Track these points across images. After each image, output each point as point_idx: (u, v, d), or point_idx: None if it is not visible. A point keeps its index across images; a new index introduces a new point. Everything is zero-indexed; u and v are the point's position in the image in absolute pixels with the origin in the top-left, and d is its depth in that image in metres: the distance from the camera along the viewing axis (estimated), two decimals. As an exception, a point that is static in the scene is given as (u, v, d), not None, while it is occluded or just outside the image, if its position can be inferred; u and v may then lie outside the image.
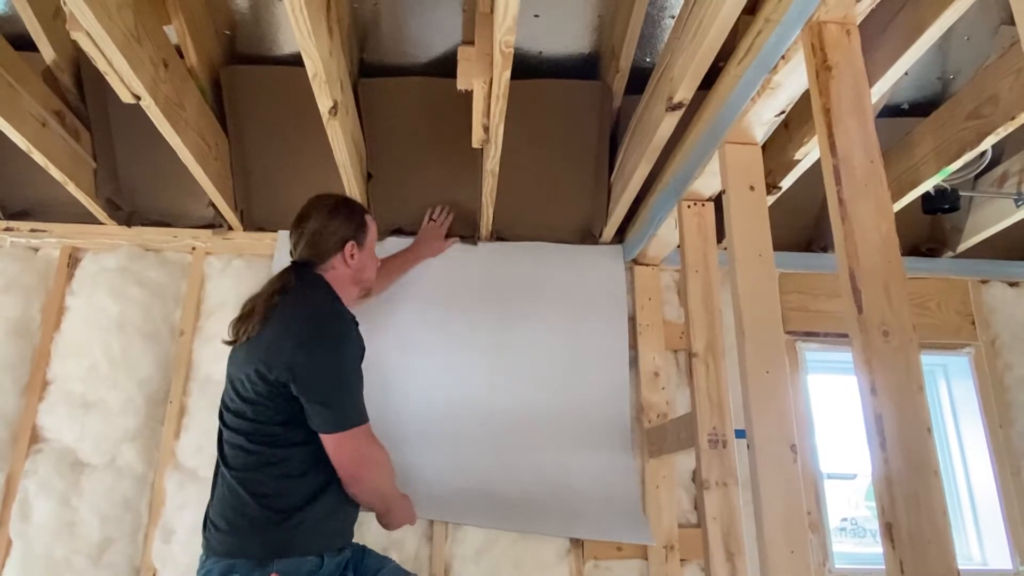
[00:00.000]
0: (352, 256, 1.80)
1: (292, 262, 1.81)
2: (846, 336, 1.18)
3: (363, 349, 1.69)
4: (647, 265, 2.50)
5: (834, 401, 2.62)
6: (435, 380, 2.30)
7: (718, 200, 1.93)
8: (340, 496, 1.61)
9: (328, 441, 1.56)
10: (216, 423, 1.68)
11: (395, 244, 2.40)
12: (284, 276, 1.74)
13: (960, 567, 1.05)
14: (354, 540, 1.74)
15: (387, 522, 1.78)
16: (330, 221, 1.81)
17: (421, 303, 2.36)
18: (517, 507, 2.16)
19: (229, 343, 1.69)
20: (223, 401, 1.67)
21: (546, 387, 2.32)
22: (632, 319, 2.44)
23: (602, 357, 2.36)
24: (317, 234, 1.79)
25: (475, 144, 1.89)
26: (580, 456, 2.25)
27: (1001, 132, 1.63)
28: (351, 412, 1.58)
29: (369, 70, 2.21)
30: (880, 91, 1.46)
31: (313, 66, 1.58)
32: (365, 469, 1.61)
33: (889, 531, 1.06)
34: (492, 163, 1.94)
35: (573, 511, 2.18)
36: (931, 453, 1.07)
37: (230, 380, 1.65)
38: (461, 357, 2.33)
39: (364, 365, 1.67)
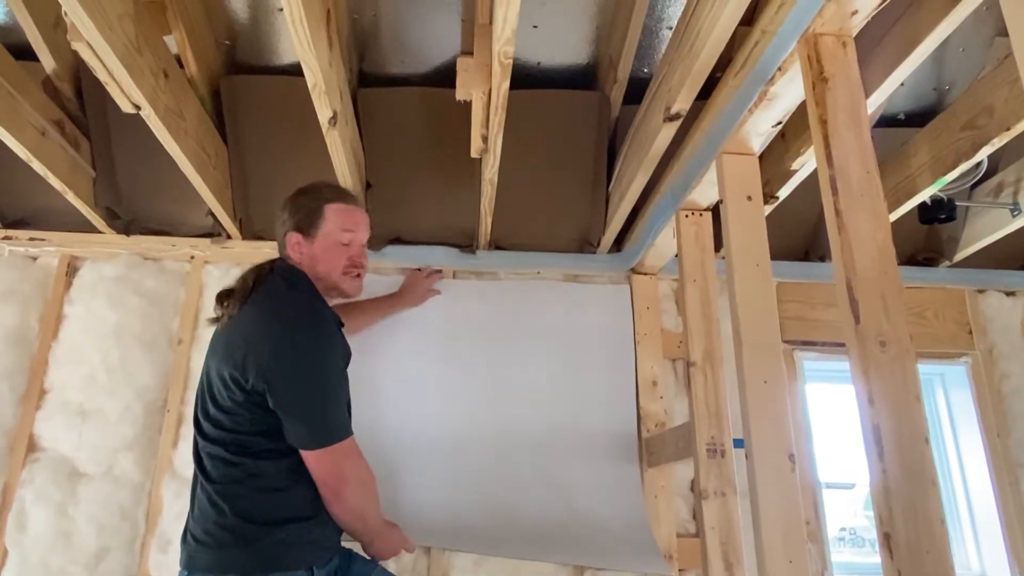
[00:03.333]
0: (300, 251, 1.67)
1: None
2: (844, 345, 1.18)
3: (348, 354, 1.60)
4: (645, 274, 2.50)
5: (832, 410, 2.62)
6: (434, 400, 2.28)
7: (716, 210, 1.94)
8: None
9: (308, 457, 1.48)
10: None
11: (394, 252, 2.41)
12: (253, 271, 1.64)
13: (958, 577, 1.05)
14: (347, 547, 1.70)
15: (374, 552, 1.67)
16: (284, 211, 1.72)
17: (420, 323, 2.36)
18: (521, 532, 2.12)
19: (214, 320, 1.61)
20: (199, 408, 1.58)
21: (549, 407, 2.30)
22: (630, 328, 2.45)
23: (607, 379, 2.35)
24: (278, 225, 1.73)
25: (474, 154, 1.90)
26: (586, 478, 2.22)
27: (996, 143, 1.64)
28: (331, 427, 1.49)
29: (368, 80, 2.22)
30: (876, 102, 1.47)
31: (313, 76, 1.59)
32: (347, 488, 1.51)
33: (887, 541, 1.06)
34: (491, 172, 1.94)
35: (581, 537, 2.13)
36: (928, 463, 1.08)
37: (207, 385, 1.55)
38: (461, 378, 2.31)
39: (361, 384, 1.57)
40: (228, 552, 1.46)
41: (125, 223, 2.39)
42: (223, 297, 1.62)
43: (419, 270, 2.40)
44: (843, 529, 2.75)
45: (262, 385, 1.45)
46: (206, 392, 1.56)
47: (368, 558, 1.71)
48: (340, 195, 1.75)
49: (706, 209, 2.03)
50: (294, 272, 1.65)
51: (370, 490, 1.59)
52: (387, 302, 2.32)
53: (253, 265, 1.68)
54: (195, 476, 1.58)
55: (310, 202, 1.71)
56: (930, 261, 2.57)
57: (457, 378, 2.31)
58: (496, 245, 2.47)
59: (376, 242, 2.38)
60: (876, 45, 1.38)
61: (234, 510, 1.47)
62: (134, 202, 2.38)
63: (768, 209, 1.92)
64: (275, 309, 1.56)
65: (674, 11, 1.93)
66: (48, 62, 2.02)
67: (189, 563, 1.51)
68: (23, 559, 2.11)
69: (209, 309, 2.37)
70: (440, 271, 2.42)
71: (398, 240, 2.45)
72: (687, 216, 2.02)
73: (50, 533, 2.13)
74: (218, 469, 1.51)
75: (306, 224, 1.68)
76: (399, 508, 1.90)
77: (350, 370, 1.67)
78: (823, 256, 2.52)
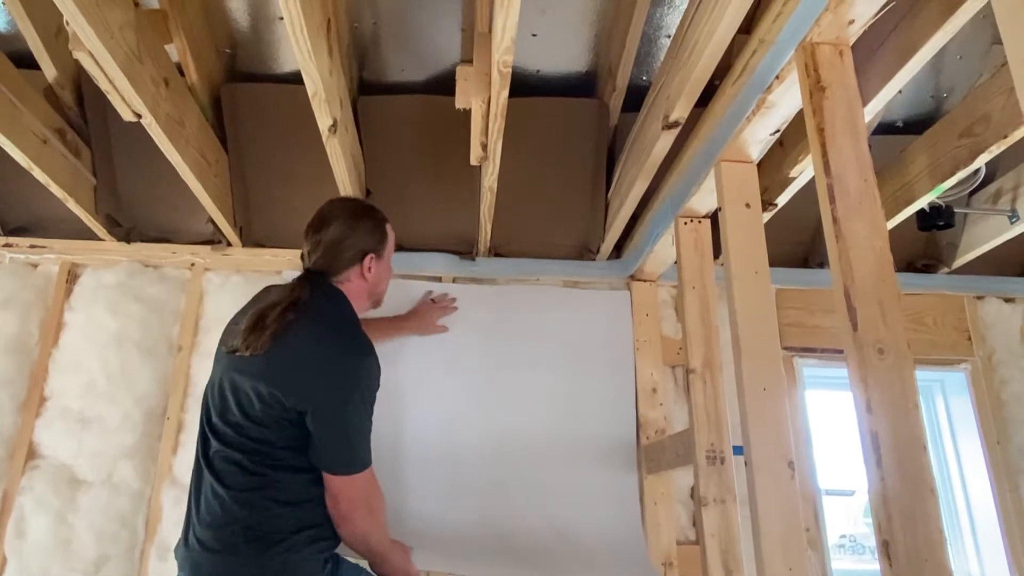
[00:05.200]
0: (370, 269, 1.73)
1: (306, 270, 1.71)
2: (843, 352, 1.19)
3: (379, 375, 1.63)
4: (644, 281, 2.51)
5: (832, 416, 2.62)
6: (432, 407, 2.27)
7: (715, 217, 1.94)
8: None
9: (328, 479, 1.53)
10: None
11: (395, 259, 2.36)
12: (298, 287, 1.62)
13: (958, 584, 1.05)
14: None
15: (382, 572, 1.69)
16: (353, 230, 1.72)
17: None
18: (517, 543, 2.10)
19: (231, 351, 1.56)
20: (215, 411, 1.56)
21: (548, 414, 2.30)
22: (630, 335, 2.45)
23: (606, 385, 2.34)
24: (337, 243, 1.70)
25: (473, 161, 1.90)
26: (584, 486, 2.21)
27: (994, 150, 1.65)
28: (359, 456, 1.55)
29: (368, 88, 2.22)
30: (874, 110, 1.47)
31: (313, 85, 1.60)
32: (356, 513, 1.56)
33: (886, 548, 1.06)
34: (490, 180, 1.95)
35: (576, 548, 2.12)
36: (927, 471, 1.08)
37: (232, 391, 1.53)
38: (459, 385, 2.30)
39: None
40: (237, 559, 1.47)
41: (126, 230, 2.39)
42: (249, 333, 1.55)
43: (433, 300, 2.36)
44: (843, 536, 2.75)
45: (305, 406, 1.49)
46: (229, 398, 1.54)
47: (354, 562, 1.71)
48: (384, 213, 1.85)
49: (705, 216, 2.03)
50: (339, 295, 1.69)
51: (378, 516, 1.62)
52: (393, 325, 2.28)
53: (296, 280, 1.65)
54: (200, 480, 1.56)
55: (377, 223, 1.79)
56: (929, 268, 2.57)
57: (455, 385, 2.31)
58: (496, 252, 2.47)
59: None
60: (873, 53, 1.39)
61: (248, 517, 1.48)
62: (135, 209, 2.39)
63: (767, 216, 1.93)
64: (322, 332, 1.58)
65: (673, 19, 1.94)
66: (49, 70, 2.03)
67: (195, 569, 1.50)
68: (22, 566, 2.11)
69: (209, 316, 2.40)
70: (455, 305, 2.37)
71: (398, 247, 2.44)
72: (686, 223, 2.02)
73: (49, 540, 2.12)
74: (235, 476, 1.51)
75: (381, 246, 1.78)
76: (397, 516, 1.89)
77: None
78: (822, 263, 2.53)
